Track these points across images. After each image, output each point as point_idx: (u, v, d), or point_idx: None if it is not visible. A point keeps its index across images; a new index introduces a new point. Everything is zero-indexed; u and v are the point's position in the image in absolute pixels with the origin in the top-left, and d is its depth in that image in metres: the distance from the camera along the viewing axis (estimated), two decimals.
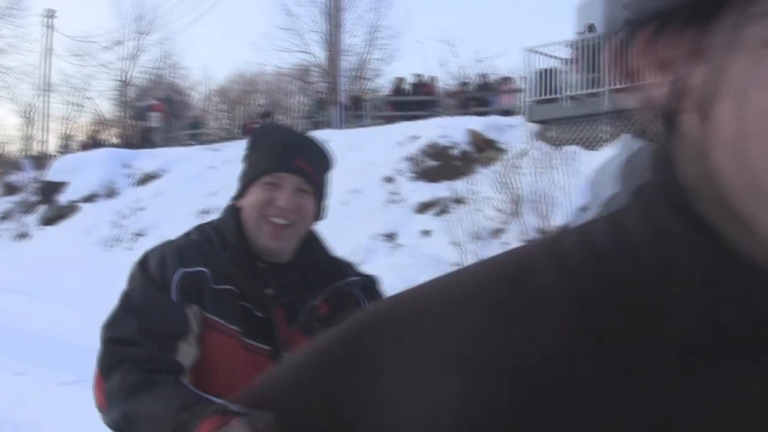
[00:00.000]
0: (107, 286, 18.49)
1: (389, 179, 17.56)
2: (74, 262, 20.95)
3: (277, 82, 66.01)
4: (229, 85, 70.08)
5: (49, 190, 26.14)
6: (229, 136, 30.82)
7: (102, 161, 26.10)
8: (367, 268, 9.38)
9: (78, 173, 25.77)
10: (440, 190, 16.15)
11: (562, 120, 16.34)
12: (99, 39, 54.58)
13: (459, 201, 15.49)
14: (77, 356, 12.75)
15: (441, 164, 17.33)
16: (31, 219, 25.92)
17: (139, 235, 21.14)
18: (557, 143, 16.03)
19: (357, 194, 17.60)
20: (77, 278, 19.72)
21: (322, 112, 27.76)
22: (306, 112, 31.78)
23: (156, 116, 30.97)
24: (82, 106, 66.29)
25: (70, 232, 23.44)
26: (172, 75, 58.19)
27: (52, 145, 48.16)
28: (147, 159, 25.80)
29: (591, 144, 15.60)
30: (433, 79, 27.48)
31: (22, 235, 25.29)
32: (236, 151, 19.21)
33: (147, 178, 24.41)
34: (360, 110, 26.06)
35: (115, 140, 40.26)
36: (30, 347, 13.29)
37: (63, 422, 7.39)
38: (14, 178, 32.71)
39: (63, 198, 25.40)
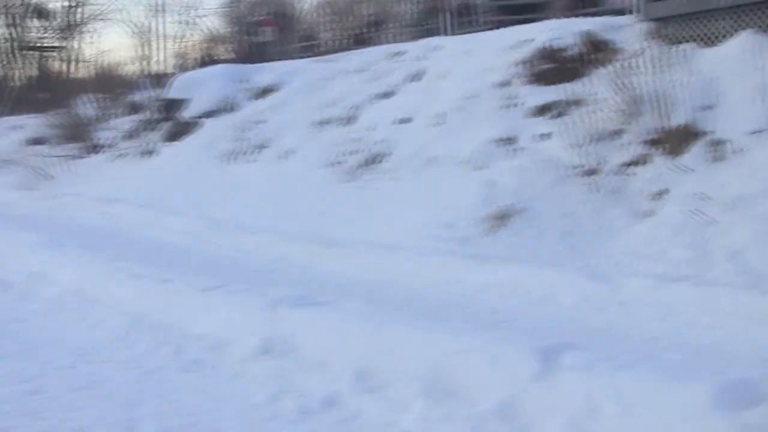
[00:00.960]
0: (232, 198, 19.17)
1: (504, 84, 17.55)
2: (199, 176, 21.56)
3: None
4: None
5: (171, 107, 26.81)
6: (341, 47, 30.93)
7: (219, 77, 26.51)
8: (487, 174, 9.69)
9: (197, 90, 26.27)
10: (556, 93, 16.08)
11: (678, 17, 15.98)
12: None
13: (576, 103, 15.41)
14: (211, 263, 13.35)
15: (555, 67, 17.21)
16: (155, 136, 26.64)
17: (260, 147, 21.59)
18: (673, 41, 15.73)
19: (473, 100, 17.67)
20: (202, 191, 20.32)
21: (431, 19, 27.63)
22: (415, 20, 31.63)
23: (267, 31, 31.22)
24: (195, 24, 67.15)
25: (193, 147, 24.02)
26: None
27: (169, 64, 48.86)
28: (263, 73, 26.12)
29: (709, 41, 15.29)
30: None
31: (148, 152, 26.02)
32: (349, 61, 19.48)
33: (264, 92, 24.77)
34: (470, 15, 25.84)
35: (229, 57, 40.68)
36: (166, 257, 13.90)
37: (209, 324, 7.82)
38: (136, 97, 33.56)
39: (184, 114, 26.04)
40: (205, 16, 60.40)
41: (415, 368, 6.13)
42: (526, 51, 18.00)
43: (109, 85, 39.95)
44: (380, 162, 17.94)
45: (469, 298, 10.75)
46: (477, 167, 15.46)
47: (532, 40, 18.19)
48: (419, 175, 16.63)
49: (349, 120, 20.30)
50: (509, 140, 15.73)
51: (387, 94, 20.55)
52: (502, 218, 13.73)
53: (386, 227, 14.77)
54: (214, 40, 55.59)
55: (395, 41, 29.47)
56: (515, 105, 16.73)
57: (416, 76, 20.55)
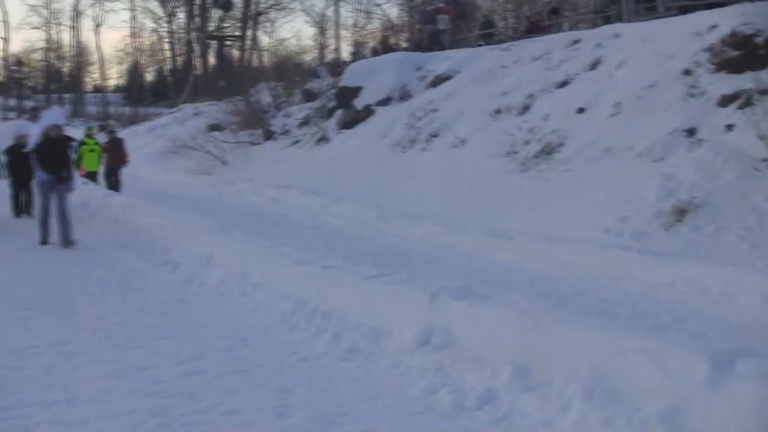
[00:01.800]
0: (402, 186, 19.07)
1: (687, 72, 16.77)
2: (371, 164, 21.58)
3: None
4: None
5: (346, 95, 26.94)
6: (517, 35, 30.46)
7: (394, 65, 26.56)
8: (666, 166, 9.15)
9: (371, 78, 26.38)
10: (743, 81, 15.24)
11: None
12: None
13: (766, 92, 14.55)
14: (376, 252, 13.27)
15: (744, 54, 16.30)
16: (330, 123, 26.86)
17: (433, 135, 21.43)
18: None
19: (652, 89, 17.00)
20: (374, 179, 20.32)
21: (612, 5, 26.84)
22: (596, 7, 30.84)
23: (443, 19, 31.02)
24: (371, 13, 67.91)
25: (366, 135, 24.14)
26: None
27: (345, 52, 49.43)
28: (438, 61, 26.01)
29: None
30: None
31: (322, 139, 26.27)
32: (525, 50, 19.01)
33: (439, 80, 24.60)
34: (652, 1, 24.91)
35: (404, 45, 40.79)
36: (332, 244, 13.91)
37: (369, 312, 7.65)
38: (312, 85, 33.98)
39: (358, 102, 26.12)
40: (381, 4, 60.79)
41: (576, 367, 5.79)
42: (711, 37, 17.17)
43: (286, 73, 40.71)
44: (554, 152, 17.50)
45: (639, 296, 10.33)
46: (655, 159, 14.84)
47: (717, 26, 17.31)
48: (593, 166, 16.11)
49: (524, 109, 19.90)
50: (690, 131, 15.03)
51: (563, 83, 20.04)
52: (679, 213, 13.14)
53: (557, 219, 14.38)
54: (390, 28, 56.02)
55: (573, 29, 28.85)
56: (698, 94, 15.97)
57: (593, 65, 19.95)
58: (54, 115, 15.40)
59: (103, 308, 9.20)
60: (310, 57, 70.89)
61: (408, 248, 13.93)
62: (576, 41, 21.95)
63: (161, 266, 11.81)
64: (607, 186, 14.92)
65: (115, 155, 21.05)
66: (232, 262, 10.59)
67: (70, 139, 15.57)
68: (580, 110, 18.23)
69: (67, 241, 13.43)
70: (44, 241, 13.75)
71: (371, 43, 56.24)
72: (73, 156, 14.76)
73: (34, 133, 15.14)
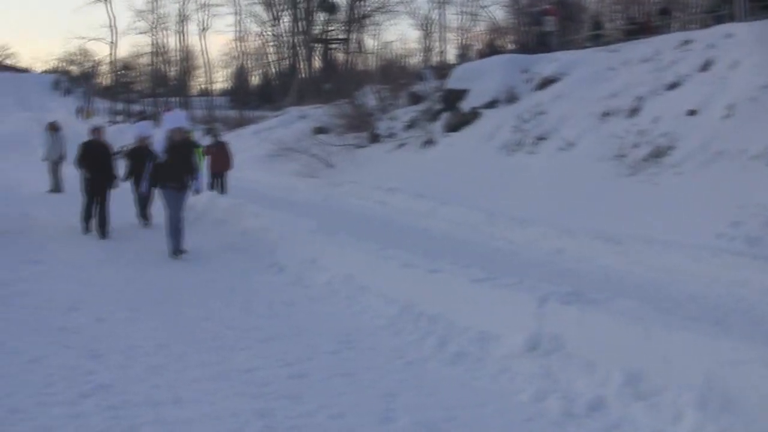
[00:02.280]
0: (509, 189, 18.97)
1: None
2: (477, 167, 21.53)
3: None
4: None
5: (451, 97, 26.91)
6: (625, 37, 30.02)
7: (500, 67, 26.43)
8: None
9: (478, 80, 26.31)
10: None
11: None
12: None
13: None
14: (483, 255, 13.21)
15: None
16: (436, 126, 26.85)
17: (540, 138, 21.29)
18: None
19: (767, 90, 16.62)
20: (480, 182, 20.26)
21: (723, 5, 26.30)
22: (707, 6, 30.26)
23: (550, 20, 30.83)
24: (477, 15, 67.80)
25: (473, 138, 24.08)
26: None
27: (450, 55, 49.41)
28: (544, 63, 25.79)
29: None
30: None
31: (428, 142, 26.28)
32: (634, 51, 18.68)
33: (546, 82, 24.41)
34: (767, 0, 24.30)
35: (510, 47, 40.62)
36: (439, 247, 13.89)
37: (476, 317, 7.63)
38: (417, 87, 34.02)
39: (465, 105, 26.06)
40: (487, 6, 60.69)
41: (689, 376, 5.68)
42: None
43: (392, 76, 40.83)
44: (664, 156, 17.22)
45: (754, 303, 10.03)
46: None
47: None
48: (705, 169, 15.81)
49: (633, 112, 19.63)
50: None
51: (673, 85, 19.71)
52: None
53: (667, 223, 14.14)
54: (496, 30, 55.84)
55: (683, 29, 28.33)
56: None
57: (705, 66, 19.57)
58: (177, 117, 14.71)
59: (209, 310, 9.30)
60: (414, 60, 71.11)
61: (515, 252, 13.82)
62: (687, 42, 21.55)
63: (267, 268, 11.87)
64: (719, 190, 14.63)
65: (220, 158, 21.24)
66: (338, 264, 10.65)
67: (194, 144, 14.88)
68: (691, 112, 17.89)
69: (178, 251, 12.93)
70: (177, 251, 13.03)
71: (476, 46, 56.20)
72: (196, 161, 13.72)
73: (157, 136, 14.57)
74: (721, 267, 11.40)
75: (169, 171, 13.03)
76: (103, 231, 14.88)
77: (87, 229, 15.00)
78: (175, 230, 12.96)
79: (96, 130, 16.07)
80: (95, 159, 15.27)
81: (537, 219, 15.62)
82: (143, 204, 16.63)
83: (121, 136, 35.04)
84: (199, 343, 7.85)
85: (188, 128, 15.26)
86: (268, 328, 8.51)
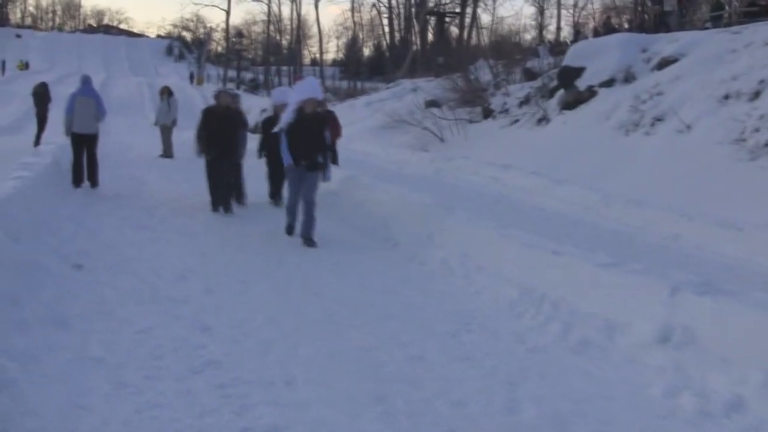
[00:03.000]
0: (625, 170, 18.72)
1: None
2: (592, 146, 21.29)
3: None
4: None
5: (568, 75, 26.58)
6: (748, 19, 29.20)
7: (618, 46, 25.98)
8: None
9: (594, 58, 25.93)
10: None
11: None
12: None
13: None
14: (598, 237, 13.03)
15: None
16: (551, 103, 26.61)
17: (657, 119, 20.94)
18: None
19: None
20: (595, 161, 20.03)
21: None
22: None
23: (670, 0, 30.19)
24: None
25: (588, 117, 23.78)
26: None
27: (565, 32, 48.84)
28: (664, 43, 25.25)
29: None
30: None
31: (542, 119, 26.08)
32: (757, 33, 18.13)
33: (665, 63, 23.91)
34: None
35: (626, 26, 39.95)
36: (555, 227, 13.65)
37: (601, 303, 7.48)
38: (532, 64, 33.74)
39: (581, 83, 25.72)
40: None
41: None
42: None
43: (505, 51, 40.53)
44: None
45: None
46: None
47: None
48: None
49: (755, 95, 19.12)
50: None
51: None
52: None
53: None
54: (612, 9, 54.90)
55: None
56: None
57: None
58: (310, 86, 12.99)
59: (320, 284, 9.19)
60: (528, 37, 70.44)
61: (631, 235, 13.56)
62: None
63: (381, 243, 11.77)
64: None
65: (329, 128, 21.14)
66: (454, 242, 10.51)
67: (327, 117, 13.92)
68: None
69: (307, 239, 11.66)
70: (290, 228, 12.23)
71: (591, 24, 55.37)
72: (328, 137, 12.33)
73: (290, 105, 12.23)
74: None
75: (300, 147, 11.66)
76: (227, 204, 13.96)
77: (216, 204, 13.83)
78: (308, 216, 11.64)
79: (221, 95, 14.66)
80: (219, 132, 13.75)
81: (653, 202, 15.32)
82: (277, 182, 15.21)
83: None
84: (311, 318, 7.72)
85: (322, 98, 14.54)
86: (382, 305, 8.37)
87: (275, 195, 15.43)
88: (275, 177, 15.19)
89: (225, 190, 14.03)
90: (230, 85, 68.77)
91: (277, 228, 12.38)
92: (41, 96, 23.13)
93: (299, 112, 11.74)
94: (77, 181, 15.72)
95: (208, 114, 14.15)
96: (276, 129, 12.50)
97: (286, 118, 11.93)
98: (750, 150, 17.22)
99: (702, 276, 7.58)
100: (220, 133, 13.81)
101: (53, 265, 8.85)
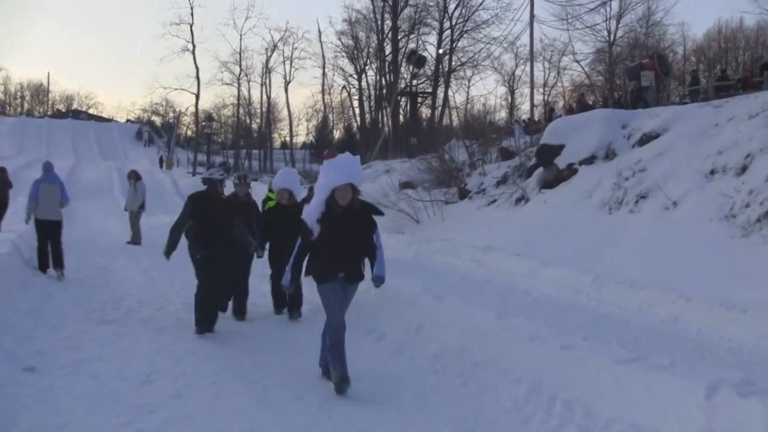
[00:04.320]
0: (612, 250, 18.04)
1: None
2: (576, 226, 20.65)
3: (758, 36, 62.75)
4: (707, 43, 67.77)
5: (546, 153, 26.05)
6: (726, 93, 28.96)
7: (598, 123, 25.51)
8: None
9: (573, 136, 25.45)
10: None
11: None
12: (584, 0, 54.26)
13: None
14: (594, 322, 12.28)
15: None
16: (529, 182, 26.06)
17: (641, 196, 20.35)
18: None
19: None
20: (580, 241, 19.37)
21: None
22: None
23: (648, 75, 29.94)
24: (565, 69, 67.11)
25: (569, 195, 23.19)
26: (651, 34, 57.13)
27: (538, 111, 48.79)
28: (644, 119, 24.81)
29: None
30: None
31: (521, 199, 25.50)
32: (739, 106, 17.64)
33: (646, 138, 23.42)
34: None
35: (600, 102, 39.80)
36: (555, 313, 12.97)
37: (626, 405, 6.61)
38: (508, 143, 33.34)
39: (560, 161, 25.18)
40: (576, 62, 59.91)
41: None
42: None
43: (479, 131, 40.27)
44: None
45: None
46: None
47: None
48: None
49: (742, 170, 18.55)
50: None
51: None
52: None
53: None
54: (582, 86, 55.04)
55: None
56: None
57: None
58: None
59: (301, 386, 8.44)
60: (502, 115, 70.65)
61: (627, 319, 12.80)
62: None
63: (366, 335, 10.94)
64: None
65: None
66: (447, 333, 9.63)
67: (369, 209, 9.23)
68: None
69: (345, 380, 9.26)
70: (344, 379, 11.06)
71: (563, 102, 55.45)
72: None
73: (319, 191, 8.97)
74: None
75: (337, 251, 8.59)
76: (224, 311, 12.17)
77: (202, 324, 11.03)
78: (338, 347, 8.51)
79: (215, 182, 11.61)
80: (211, 225, 11.22)
81: (646, 282, 14.57)
82: (283, 296, 12.54)
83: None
84: (294, 429, 6.95)
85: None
86: (371, 411, 7.55)
87: (284, 305, 12.82)
88: (277, 276, 12.29)
89: (217, 304, 11.49)
90: (200, 169, 67.93)
91: (253, 318, 11.89)
92: (1, 182, 22.45)
93: (331, 202, 8.68)
94: (43, 267, 15.49)
95: (194, 204, 11.37)
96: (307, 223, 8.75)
97: (312, 210, 8.72)
98: (741, 227, 16.60)
99: (742, 373, 6.72)
100: (210, 231, 11.23)
101: (3, 371, 7.95)
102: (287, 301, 12.59)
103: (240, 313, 12.48)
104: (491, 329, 9.06)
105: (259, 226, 12.46)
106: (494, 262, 18.41)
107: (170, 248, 11.14)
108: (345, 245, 8.54)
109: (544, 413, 7.14)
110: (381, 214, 9.16)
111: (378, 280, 8.69)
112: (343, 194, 8.58)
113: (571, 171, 24.46)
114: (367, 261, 8.80)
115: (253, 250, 12.23)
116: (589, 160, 24.33)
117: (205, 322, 11.02)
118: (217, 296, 11.44)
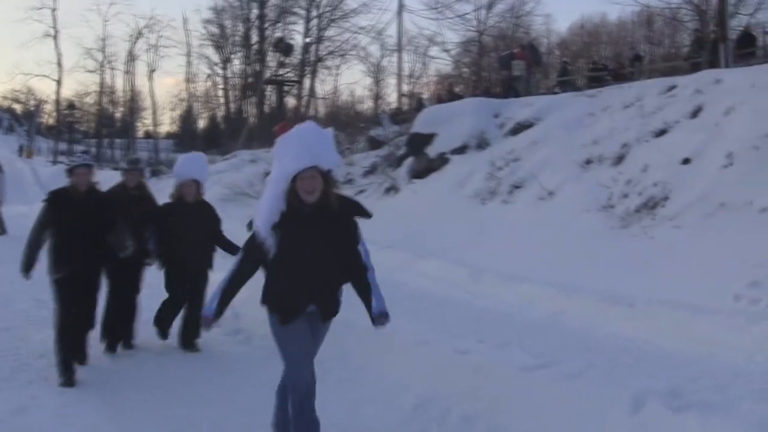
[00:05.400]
0: (488, 241, 17.39)
1: None
2: (448, 217, 19.96)
3: (620, 31, 63.99)
4: (570, 38, 68.83)
5: (417, 142, 25.30)
6: (598, 83, 28.85)
7: (469, 112, 24.92)
8: None
9: (445, 125, 24.75)
10: None
11: None
12: None
13: None
14: (475, 318, 11.58)
15: None
16: (399, 172, 25.32)
17: (516, 186, 19.78)
18: None
19: None
20: (454, 233, 18.69)
21: (701, 51, 25.27)
22: (686, 53, 29.32)
23: (519, 64, 29.58)
24: (434, 58, 67.02)
25: (441, 185, 22.51)
26: (520, 25, 57.58)
27: (406, 101, 48.34)
28: (517, 108, 24.40)
29: None
30: None
31: (391, 189, 24.74)
32: (613, 97, 17.20)
33: (519, 128, 22.96)
34: (751, 47, 23.26)
35: (469, 92, 39.55)
36: (420, 306, 12.37)
37: (536, 420, 5.70)
38: (376, 132, 32.59)
39: (431, 150, 24.45)
40: (445, 51, 59.86)
41: None
42: None
43: (346, 120, 39.53)
44: (658, 207, 15.74)
45: None
46: None
47: None
48: (708, 223, 14.29)
49: (618, 159, 18.17)
50: None
51: (661, 132, 18.26)
52: None
53: (673, 283, 12.54)
54: (449, 77, 54.89)
55: (656, 76, 27.21)
56: None
57: (695, 112, 18.16)
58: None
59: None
60: (369, 105, 70.19)
61: (509, 314, 12.14)
62: (671, 87, 20.23)
63: (231, 335, 10.20)
64: (728, 246, 13.10)
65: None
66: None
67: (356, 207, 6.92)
68: (685, 161, 16.44)
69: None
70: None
71: (430, 92, 55.20)
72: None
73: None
74: (763, 336, 9.77)
75: (305, 272, 6.03)
76: (113, 344, 9.94)
77: (69, 370, 8.32)
78: (303, 411, 6.03)
79: (131, 173, 10.11)
80: (79, 232, 8.45)
81: (525, 275, 13.99)
82: (174, 305, 10.42)
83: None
84: None
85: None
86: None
87: (166, 323, 10.54)
88: (175, 299, 10.34)
89: (86, 334, 8.95)
90: (62, 158, 64.79)
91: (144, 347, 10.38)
92: None
93: (292, 198, 6.09)
94: None
95: (52, 205, 8.59)
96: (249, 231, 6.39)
97: (265, 211, 6.15)
98: (621, 217, 16.13)
99: (661, 381, 5.90)
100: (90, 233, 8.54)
101: None
102: (183, 329, 10.28)
103: (127, 342, 10.18)
104: (370, 330, 8.06)
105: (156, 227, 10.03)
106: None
107: (28, 264, 8.42)
108: (318, 263, 5.97)
109: (437, 428, 6.23)
110: (369, 215, 6.57)
111: (382, 319, 6.10)
112: (310, 184, 5.94)
113: (442, 160, 23.75)
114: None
115: (125, 254, 8.93)
116: (461, 150, 23.66)
117: (71, 365, 8.34)
118: (88, 325, 8.85)
